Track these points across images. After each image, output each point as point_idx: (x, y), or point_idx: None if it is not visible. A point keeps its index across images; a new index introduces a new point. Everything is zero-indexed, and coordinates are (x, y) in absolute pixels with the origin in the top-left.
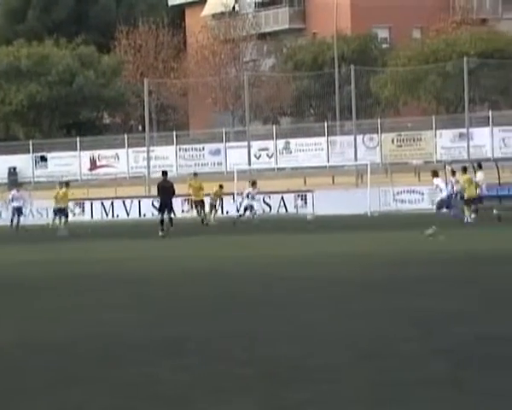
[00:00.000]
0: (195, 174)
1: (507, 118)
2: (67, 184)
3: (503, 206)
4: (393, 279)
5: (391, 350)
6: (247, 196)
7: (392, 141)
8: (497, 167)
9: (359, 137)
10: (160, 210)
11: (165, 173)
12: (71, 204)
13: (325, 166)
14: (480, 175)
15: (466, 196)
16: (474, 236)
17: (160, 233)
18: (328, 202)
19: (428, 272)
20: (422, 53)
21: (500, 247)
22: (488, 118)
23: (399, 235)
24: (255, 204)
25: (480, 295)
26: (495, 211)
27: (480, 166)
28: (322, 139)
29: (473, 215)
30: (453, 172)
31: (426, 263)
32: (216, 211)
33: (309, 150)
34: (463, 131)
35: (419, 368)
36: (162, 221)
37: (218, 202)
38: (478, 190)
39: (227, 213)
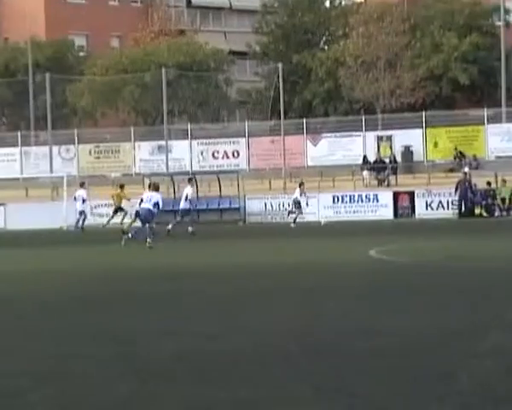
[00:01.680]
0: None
1: (205, 131)
2: None
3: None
4: (94, 297)
5: (85, 371)
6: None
7: (90, 152)
8: (196, 181)
9: (55, 148)
10: None
11: None
12: None
13: (18, 179)
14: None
15: None
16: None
17: None
18: (21, 216)
19: (125, 288)
20: (120, 62)
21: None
22: (187, 130)
23: (100, 249)
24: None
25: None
26: (190, 228)
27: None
28: (16, 150)
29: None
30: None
31: (124, 279)
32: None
33: (0, 161)
34: (162, 143)
35: (112, 389)
36: None
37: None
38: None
39: None
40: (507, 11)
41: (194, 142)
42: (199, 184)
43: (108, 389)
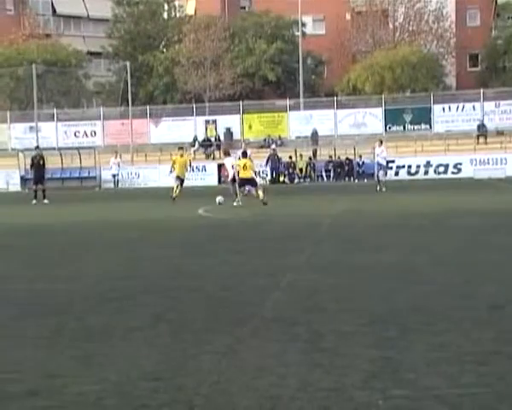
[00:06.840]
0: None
1: (68, 115)
2: None
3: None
4: None
5: None
6: None
7: None
8: (61, 155)
9: None
10: None
11: None
12: None
13: None
14: None
15: None
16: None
17: None
18: None
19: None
20: None
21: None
22: (53, 114)
23: None
24: None
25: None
26: None
27: None
28: None
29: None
30: None
31: None
32: None
33: None
34: (33, 124)
35: None
36: None
37: None
38: None
39: None
40: (303, 24)
41: (59, 123)
42: (63, 158)
43: None
